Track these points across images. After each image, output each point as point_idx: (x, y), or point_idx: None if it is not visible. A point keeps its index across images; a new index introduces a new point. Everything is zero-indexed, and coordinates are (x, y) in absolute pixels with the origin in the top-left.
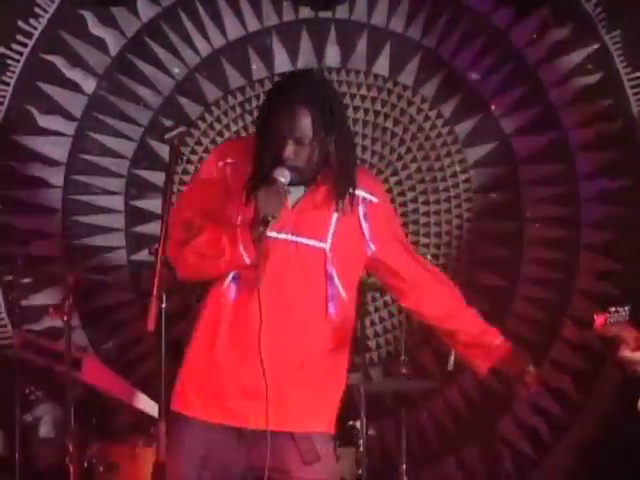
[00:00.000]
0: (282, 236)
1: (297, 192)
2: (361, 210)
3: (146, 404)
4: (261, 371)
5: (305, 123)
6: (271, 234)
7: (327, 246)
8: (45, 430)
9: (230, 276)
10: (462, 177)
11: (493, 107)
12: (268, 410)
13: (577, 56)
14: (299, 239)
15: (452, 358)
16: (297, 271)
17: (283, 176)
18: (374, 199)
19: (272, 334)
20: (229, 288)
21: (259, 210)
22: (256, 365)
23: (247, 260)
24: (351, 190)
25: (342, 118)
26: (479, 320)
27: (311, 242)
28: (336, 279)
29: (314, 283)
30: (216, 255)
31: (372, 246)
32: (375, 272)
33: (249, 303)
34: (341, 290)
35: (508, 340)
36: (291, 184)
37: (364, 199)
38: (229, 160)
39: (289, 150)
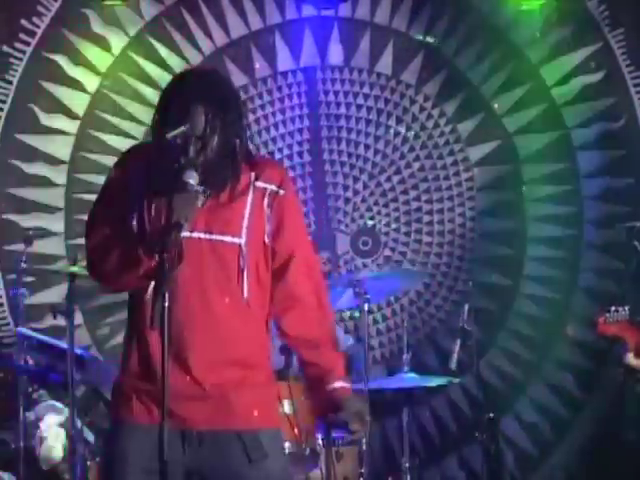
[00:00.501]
0: (195, 235)
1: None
2: (266, 202)
3: None
4: (190, 372)
5: (201, 119)
6: (184, 234)
7: (243, 240)
8: (48, 429)
9: (152, 284)
10: (465, 176)
11: (496, 106)
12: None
13: (579, 55)
14: (213, 236)
15: (455, 356)
16: (214, 268)
17: (192, 178)
18: (280, 191)
19: (199, 333)
20: (150, 294)
21: (174, 215)
22: (186, 366)
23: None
24: (233, 181)
25: (235, 110)
26: (328, 356)
27: (226, 238)
28: (250, 272)
29: (231, 278)
30: (132, 266)
31: (267, 238)
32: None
33: (172, 306)
34: (255, 283)
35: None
36: (202, 184)
37: (271, 191)
38: (130, 165)
39: (192, 150)
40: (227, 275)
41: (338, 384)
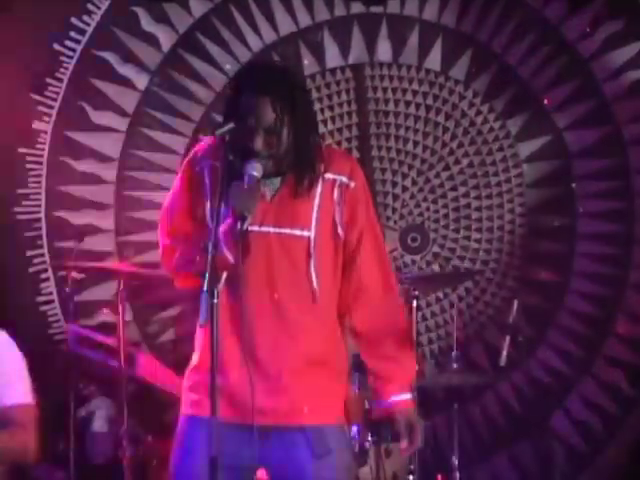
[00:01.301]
0: (264, 229)
1: (275, 183)
2: (336, 194)
3: None
4: (259, 367)
5: (268, 111)
6: (253, 228)
7: (312, 234)
8: (99, 425)
9: (223, 278)
10: (514, 172)
11: (545, 101)
12: (271, 404)
13: (631, 49)
14: (282, 230)
15: (504, 353)
16: (283, 262)
17: (254, 169)
18: (351, 183)
19: (267, 328)
20: (223, 290)
21: (234, 207)
22: (255, 361)
23: (231, 259)
24: (310, 175)
25: (304, 104)
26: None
27: (295, 232)
28: (320, 266)
29: (300, 272)
30: (202, 258)
31: (340, 231)
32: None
33: (242, 302)
34: (325, 277)
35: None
36: (268, 176)
37: (341, 183)
38: (206, 162)
39: (258, 142)
40: (296, 269)
41: (396, 398)
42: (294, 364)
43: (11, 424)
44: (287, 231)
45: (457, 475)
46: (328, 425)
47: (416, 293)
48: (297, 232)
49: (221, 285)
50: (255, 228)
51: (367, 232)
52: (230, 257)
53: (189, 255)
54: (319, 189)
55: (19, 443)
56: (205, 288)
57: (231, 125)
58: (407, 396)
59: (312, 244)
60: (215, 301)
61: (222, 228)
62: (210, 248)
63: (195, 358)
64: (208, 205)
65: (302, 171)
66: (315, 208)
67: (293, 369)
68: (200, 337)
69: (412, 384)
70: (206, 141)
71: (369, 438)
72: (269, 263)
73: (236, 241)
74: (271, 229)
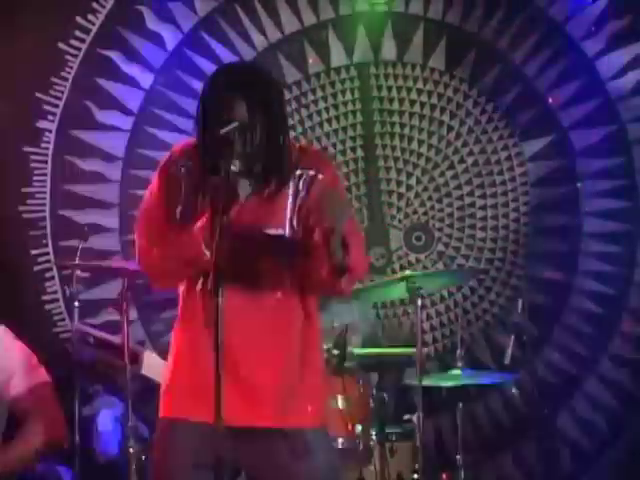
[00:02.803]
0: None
1: (248, 184)
2: (303, 187)
3: None
4: (239, 368)
5: (242, 110)
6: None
7: (286, 231)
8: (104, 423)
9: (201, 278)
10: (519, 170)
11: (550, 100)
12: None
13: (635, 48)
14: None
15: (509, 352)
16: (262, 261)
17: (227, 164)
18: (319, 175)
19: (244, 328)
20: (200, 289)
21: (210, 202)
22: (232, 361)
23: (208, 256)
24: (279, 175)
25: (277, 104)
26: None
27: (270, 230)
28: (289, 265)
29: (273, 272)
30: (180, 257)
31: (294, 221)
32: None
33: (222, 302)
34: (294, 277)
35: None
36: (241, 175)
37: (307, 175)
38: (182, 163)
39: (237, 140)
40: (275, 268)
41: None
42: (275, 364)
43: (29, 409)
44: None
45: (462, 474)
46: (310, 427)
47: (421, 292)
48: (272, 231)
49: (199, 284)
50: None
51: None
52: (207, 253)
53: (166, 255)
54: (291, 187)
55: (42, 425)
56: (209, 288)
57: (235, 124)
58: None
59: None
60: (220, 300)
61: (199, 224)
62: (213, 248)
63: (170, 359)
64: (184, 204)
65: (272, 171)
66: (288, 207)
67: (274, 370)
68: (175, 337)
69: None
70: (181, 143)
71: (373, 437)
72: (245, 262)
73: (213, 236)
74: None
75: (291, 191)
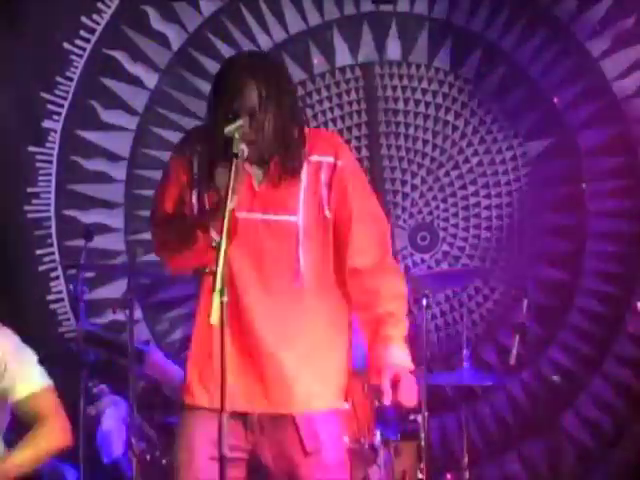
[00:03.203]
0: (252, 216)
1: (262, 170)
2: (324, 176)
3: None
4: (252, 356)
5: (252, 95)
6: (241, 215)
7: (299, 219)
8: (108, 423)
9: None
10: (524, 171)
11: (555, 100)
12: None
13: None
14: (269, 216)
15: (514, 352)
16: (272, 249)
17: (233, 149)
18: (339, 162)
19: (260, 316)
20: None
21: (218, 186)
22: (248, 349)
23: (217, 240)
24: (293, 161)
25: (287, 90)
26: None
27: (282, 217)
28: (309, 250)
29: (290, 258)
30: (192, 243)
31: (328, 213)
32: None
33: (232, 288)
34: (315, 260)
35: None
36: (253, 162)
37: (328, 164)
38: (192, 149)
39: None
40: (285, 255)
41: (386, 352)
42: (287, 352)
43: (36, 414)
44: (274, 217)
45: (466, 474)
46: (320, 411)
47: (426, 292)
48: (284, 218)
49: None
50: (243, 215)
51: (361, 210)
52: (216, 237)
53: (177, 240)
54: (305, 173)
55: (54, 431)
56: (217, 287)
57: (240, 122)
58: (400, 352)
59: (300, 229)
60: (225, 299)
61: (208, 208)
62: (222, 245)
63: (191, 350)
64: (195, 190)
65: (285, 157)
66: (301, 192)
67: (285, 357)
68: (194, 329)
69: (404, 341)
70: (194, 127)
71: (378, 437)
72: (257, 249)
73: (222, 220)
74: (259, 216)
75: (305, 178)
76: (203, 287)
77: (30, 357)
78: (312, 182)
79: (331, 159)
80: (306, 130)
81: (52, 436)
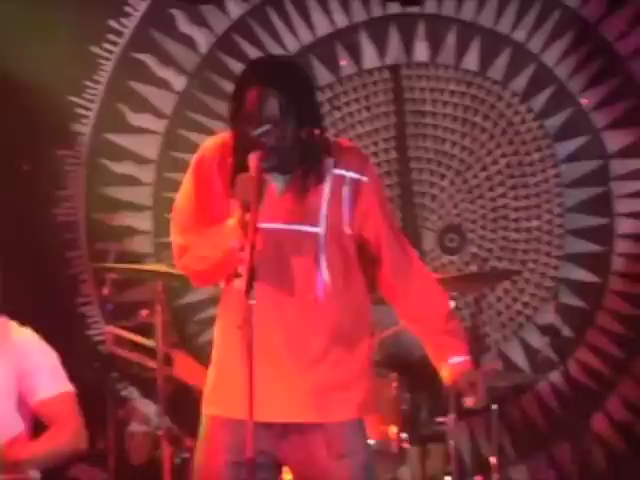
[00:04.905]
0: (274, 226)
1: (284, 180)
2: (346, 190)
3: None
4: (274, 364)
5: (274, 104)
6: (263, 225)
7: (321, 230)
8: (137, 425)
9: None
10: (552, 172)
11: (583, 101)
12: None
13: None
14: (291, 226)
15: (543, 353)
16: (294, 258)
17: (256, 159)
18: (363, 178)
19: (283, 326)
20: (235, 286)
21: (240, 198)
22: (271, 359)
23: (241, 254)
24: (316, 170)
25: (309, 98)
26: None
27: (305, 228)
28: (331, 261)
29: (311, 268)
30: (215, 254)
31: (347, 229)
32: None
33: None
34: (337, 271)
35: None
36: (274, 171)
37: (351, 179)
38: (214, 160)
39: (265, 133)
40: (307, 266)
41: (454, 361)
42: (311, 360)
43: (55, 416)
44: (297, 227)
45: (496, 477)
46: (349, 422)
47: (454, 294)
48: (307, 228)
49: (238, 281)
50: (265, 225)
51: (384, 224)
52: (240, 252)
53: (200, 255)
54: (328, 184)
55: (69, 435)
56: (243, 290)
57: (268, 127)
58: (464, 358)
59: (322, 240)
60: (252, 302)
61: (230, 220)
62: (247, 249)
63: (214, 356)
64: (217, 202)
65: (308, 166)
66: (324, 204)
67: (309, 366)
68: (216, 336)
69: (467, 349)
70: (212, 139)
71: (407, 439)
72: (280, 259)
73: (245, 233)
74: (281, 225)
75: (328, 190)
76: (226, 292)
77: (53, 360)
78: (336, 196)
79: (355, 175)
80: (329, 140)
81: (66, 437)
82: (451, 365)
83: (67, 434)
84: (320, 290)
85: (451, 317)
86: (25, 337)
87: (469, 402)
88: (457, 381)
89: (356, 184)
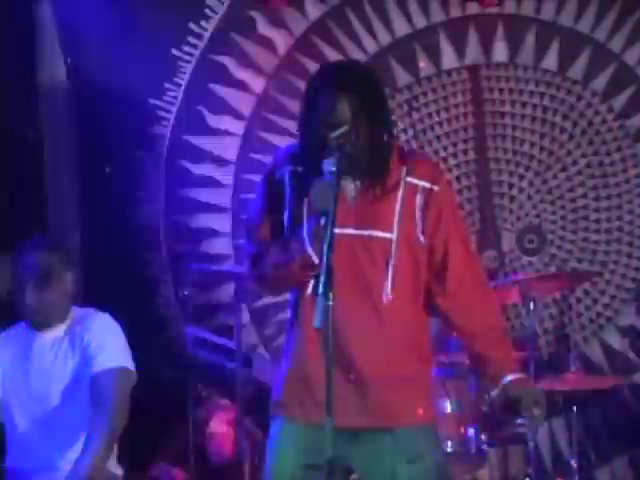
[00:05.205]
0: (346, 231)
1: (356, 185)
2: (419, 199)
3: None
4: (347, 369)
5: (345, 109)
6: (335, 230)
7: (394, 236)
8: (217, 425)
9: (311, 282)
10: (633, 172)
11: None
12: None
13: None
14: (363, 231)
15: (624, 356)
16: (365, 263)
17: (332, 165)
18: (435, 187)
19: (355, 331)
20: (311, 293)
21: (315, 205)
22: (341, 363)
23: (316, 260)
24: (385, 176)
25: (381, 104)
26: (500, 352)
27: (377, 233)
28: (400, 267)
29: (380, 273)
30: (288, 264)
31: (422, 238)
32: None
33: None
34: (405, 278)
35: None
36: (346, 175)
37: (424, 188)
38: (285, 168)
39: (337, 139)
40: (377, 270)
41: (510, 377)
42: (381, 365)
43: (100, 392)
44: (368, 232)
45: (576, 478)
46: (418, 426)
47: (533, 295)
48: (379, 234)
49: (309, 288)
50: (337, 230)
51: (454, 235)
52: (315, 257)
53: (274, 264)
54: (401, 193)
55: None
56: (320, 291)
57: (345, 128)
58: (519, 375)
59: (394, 246)
60: (330, 303)
61: (306, 228)
62: (325, 250)
63: (284, 362)
64: (290, 209)
65: (377, 172)
66: (397, 212)
67: (380, 371)
68: (287, 341)
69: (517, 366)
70: (284, 147)
71: (485, 441)
72: (352, 264)
73: (320, 240)
74: (353, 230)
75: (401, 197)
76: (297, 298)
77: (118, 337)
78: (408, 204)
79: (428, 184)
80: (402, 148)
81: (104, 424)
82: (510, 381)
83: (103, 421)
84: (389, 295)
85: (506, 335)
86: (94, 316)
87: (530, 420)
88: (519, 398)
89: (429, 193)
